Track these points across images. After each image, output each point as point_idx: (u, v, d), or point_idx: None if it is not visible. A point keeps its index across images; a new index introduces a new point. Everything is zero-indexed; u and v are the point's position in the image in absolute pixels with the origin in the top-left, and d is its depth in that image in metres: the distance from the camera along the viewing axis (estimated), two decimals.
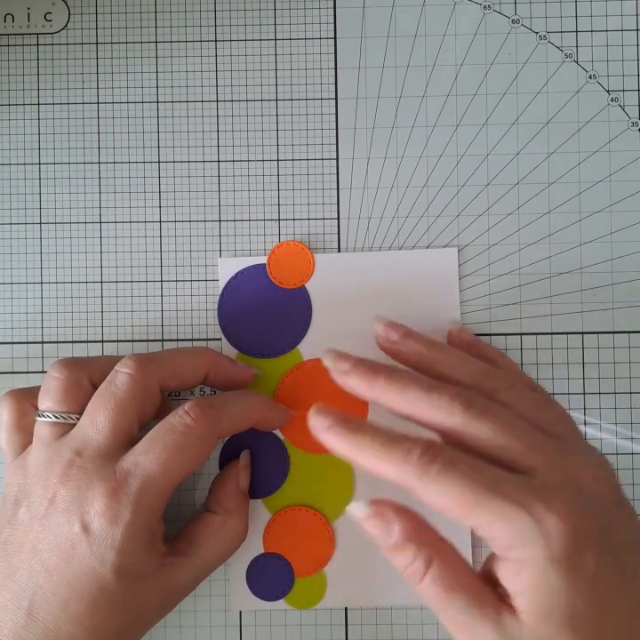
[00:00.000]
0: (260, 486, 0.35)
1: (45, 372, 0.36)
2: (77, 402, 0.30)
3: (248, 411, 0.32)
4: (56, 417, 0.30)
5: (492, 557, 0.26)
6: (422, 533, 0.25)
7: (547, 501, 0.24)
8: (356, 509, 0.26)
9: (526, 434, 0.26)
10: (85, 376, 0.31)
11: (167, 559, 0.30)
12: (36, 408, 0.31)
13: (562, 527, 0.23)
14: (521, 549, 0.24)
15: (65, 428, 0.30)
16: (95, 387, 0.31)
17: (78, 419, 0.30)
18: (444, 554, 0.25)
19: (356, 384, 0.28)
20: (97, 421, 0.29)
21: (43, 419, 0.30)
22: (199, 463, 0.30)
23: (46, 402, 0.30)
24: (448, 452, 0.25)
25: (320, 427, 0.28)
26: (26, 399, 0.32)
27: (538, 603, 0.24)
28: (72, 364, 0.31)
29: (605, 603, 0.24)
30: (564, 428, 0.28)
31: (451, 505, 0.24)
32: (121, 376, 0.30)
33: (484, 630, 0.24)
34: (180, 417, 0.29)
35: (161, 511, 0.29)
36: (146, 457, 0.29)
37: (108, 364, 0.31)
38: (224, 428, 0.31)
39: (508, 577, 0.25)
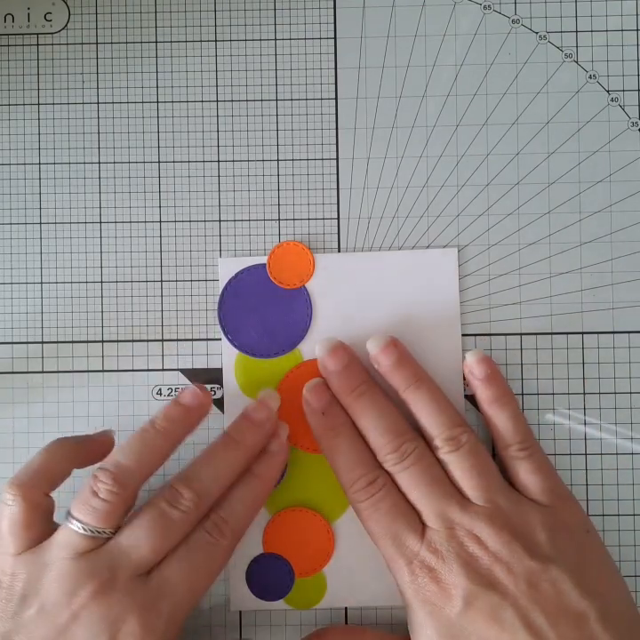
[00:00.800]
0: None
1: (46, 372, 0.36)
2: (119, 520, 0.30)
3: (261, 498, 0.33)
4: (97, 532, 0.29)
5: None
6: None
7: (425, 563, 0.30)
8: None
9: (436, 497, 0.31)
10: (134, 494, 0.31)
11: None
12: (48, 496, 0.30)
13: (431, 585, 0.30)
14: (399, 586, 0.31)
15: (98, 542, 0.29)
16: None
17: (113, 534, 0.30)
18: None
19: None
20: (140, 543, 0.29)
21: (77, 529, 0.29)
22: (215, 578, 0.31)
23: (87, 516, 0.29)
24: (381, 493, 0.31)
25: (306, 405, 0.34)
26: (36, 489, 0.30)
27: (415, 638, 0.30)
28: (123, 484, 0.30)
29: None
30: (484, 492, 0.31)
31: (368, 533, 0.32)
32: (183, 505, 0.30)
33: None
34: (204, 539, 0.30)
35: (184, 622, 0.30)
36: (177, 579, 0.29)
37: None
38: (241, 533, 0.32)
39: (408, 621, 0.32)
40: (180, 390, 0.35)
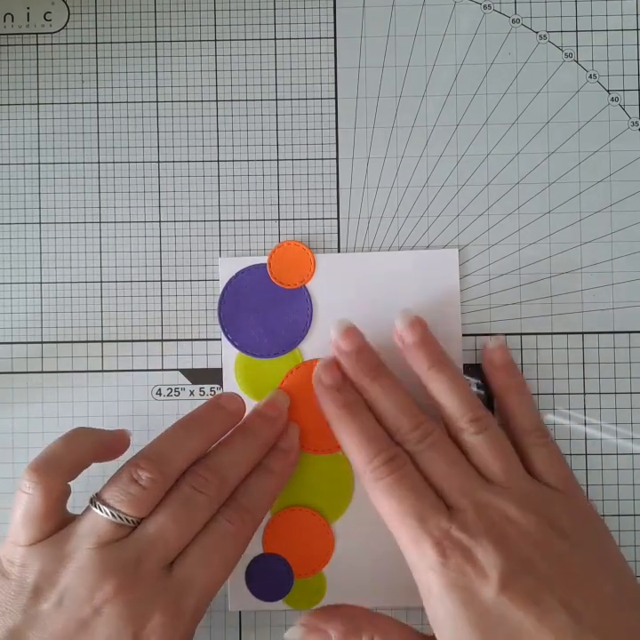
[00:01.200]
0: None
1: (46, 372, 0.36)
2: (150, 509, 0.29)
3: (274, 493, 0.33)
4: (127, 521, 0.29)
5: None
6: (357, 622, 0.29)
7: (457, 542, 0.28)
8: (291, 635, 0.30)
9: (461, 477, 0.30)
10: (170, 485, 0.30)
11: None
12: (67, 487, 0.30)
13: (465, 565, 0.28)
14: (422, 574, 0.29)
15: (124, 532, 0.29)
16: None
17: (138, 523, 0.29)
18: (382, 627, 0.29)
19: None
20: (167, 530, 0.29)
21: (107, 516, 0.29)
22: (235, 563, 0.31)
23: (122, 503, 0.29)
24: (404, 470, 0.30)
25: (319, 383, 0.33)
26: (58, 477, 0.29)
27: (441, 632, 0.28)
28: (164, 473, 0.29)
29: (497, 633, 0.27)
30: (510, 475, 0.30)
31: (385, 513, 0.30)
32: (208, 489, 0.30)
33: None
34: (226, 528, 0.30)
35: (204, 613, 0.30)
36: (201, 571, 0.29)
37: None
38: (258, 523, 0.32)
39: (428, 607, 0.29)
40: (216, 394, 0.35)
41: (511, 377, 0.33)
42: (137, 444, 0.35)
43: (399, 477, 0.30)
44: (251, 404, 0.35)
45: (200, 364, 0.36)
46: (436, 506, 0.29)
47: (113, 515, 0.28)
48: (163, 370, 0.36)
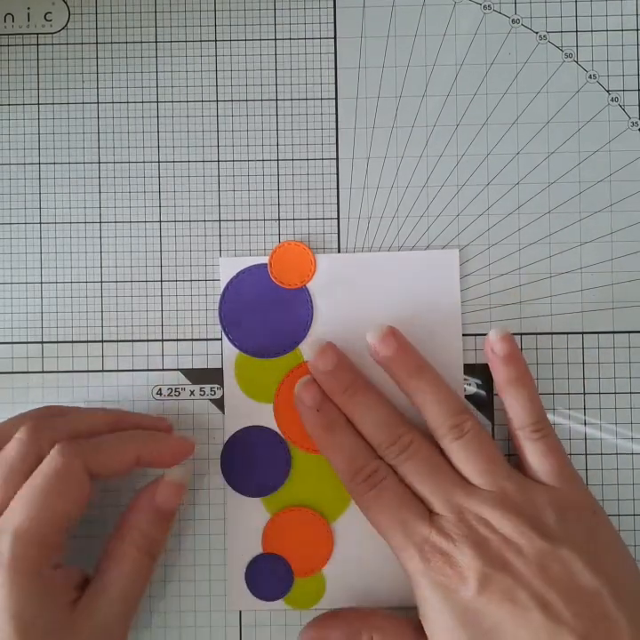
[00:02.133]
0: (261, 485, 0.35)
1: (46, 372, 0.36)
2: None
3: (123, 445, 0.31)
4: None
5: None
6: (355, 624, 0.31)
7: (437, 547, 0.30)
8: None
9: (440, 483, 0.31)
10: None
11: (81, 602, 0.29)
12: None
13: (445, 568, 0.29)
14: (411, 577, 0.31)
15: None
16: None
17: None
18: (378, 624, 0.31)
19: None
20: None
21: None
22: (77, 505, 0.29)
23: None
24: (384, 483, 0.31)
25: (299, 402, 0.34)
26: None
27: (431, 629, 0.30)
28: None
29: (485, 625, 0.29)
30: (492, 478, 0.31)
31: (373, 524, 0.32)
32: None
33: None
34: (47, 461, 0.28)
35: (48, 559, 0.28)
36: (15, 510, 0.28)
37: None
38: (95, 465, 0.29)
39: (419, 608, 0.31)
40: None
41: (511, 368, 0.33)
42: None
43: (380, 491, 0.31)
44: (251, 404, 0.35)
45: (200, 364, 0.36)
46: (418, 513, 0.31)
47: None
48: (163, 370, 0.36)
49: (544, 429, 0.32)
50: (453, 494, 0.31)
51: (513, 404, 0.33)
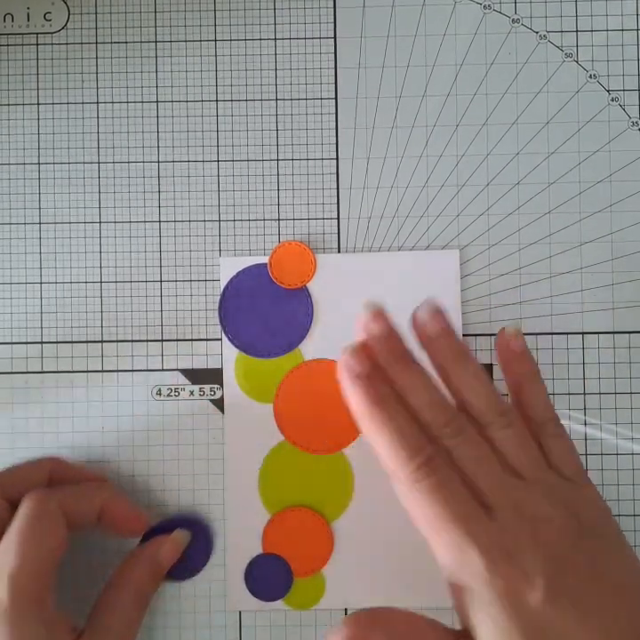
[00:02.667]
0: (181, 567, 0.34)
1: (46, 372, 0.36)
2: None
3: (90, 491, 0.33)
4: None
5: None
6: (402, 627, 0.27)
7: (503, 547, 0.26)
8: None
9: (495, 474, 0.28)
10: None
11: None
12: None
13: (512, 570, 0.26)
14: (465, 579, 0.27)
15: None
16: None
17: None
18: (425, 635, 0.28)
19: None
20: None
21: None
22: (59, 542, 0.30)
23: None
24: (443, 471, 0.27)
25: (348, 371, 0.29)
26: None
27: (487, 633, 0.26)
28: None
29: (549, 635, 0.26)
30: (537, 471, 0.29)
31: (423, 518, 0.27)
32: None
33: None
34: (25, 505, 0.30)
35: (44, 600, 0.29)
36: (4, 553, 0.29)
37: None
38: (67, 508, 0.31)
39: (466, 614, 0.27)
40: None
41: (528, 364, 0.31)
42: (137, 445, 0.35)
43: (441, 479, 0.27)
44: (251, 404, 0.35)
45: (200, 364, 0.36)
46: (477, 508, 0.27)
47: None
48: (163, 370, 0.36)
49: (563, 427, 0.31)
50: (510, 486, 0.28)
51: (532, 399, 0.31)
